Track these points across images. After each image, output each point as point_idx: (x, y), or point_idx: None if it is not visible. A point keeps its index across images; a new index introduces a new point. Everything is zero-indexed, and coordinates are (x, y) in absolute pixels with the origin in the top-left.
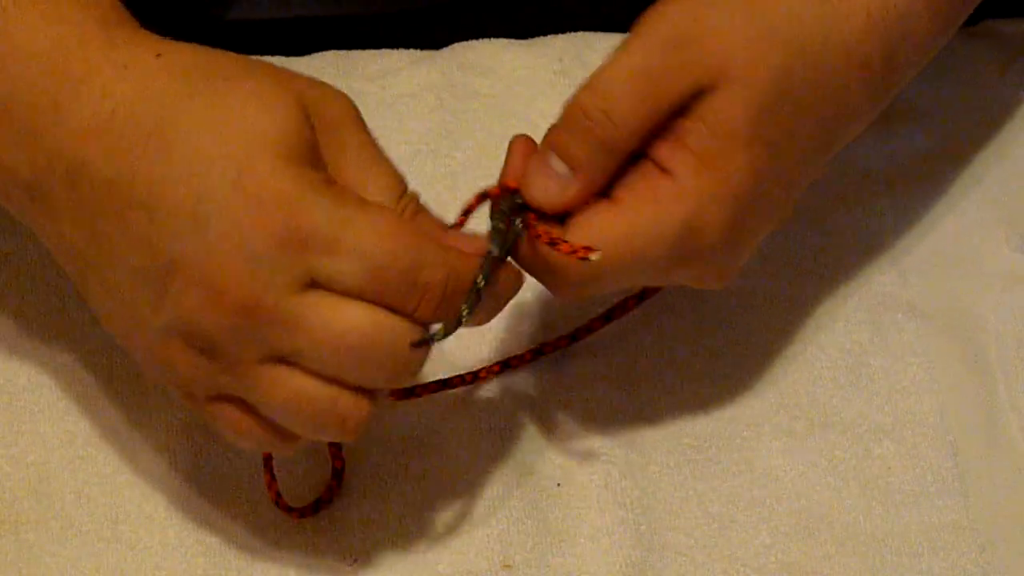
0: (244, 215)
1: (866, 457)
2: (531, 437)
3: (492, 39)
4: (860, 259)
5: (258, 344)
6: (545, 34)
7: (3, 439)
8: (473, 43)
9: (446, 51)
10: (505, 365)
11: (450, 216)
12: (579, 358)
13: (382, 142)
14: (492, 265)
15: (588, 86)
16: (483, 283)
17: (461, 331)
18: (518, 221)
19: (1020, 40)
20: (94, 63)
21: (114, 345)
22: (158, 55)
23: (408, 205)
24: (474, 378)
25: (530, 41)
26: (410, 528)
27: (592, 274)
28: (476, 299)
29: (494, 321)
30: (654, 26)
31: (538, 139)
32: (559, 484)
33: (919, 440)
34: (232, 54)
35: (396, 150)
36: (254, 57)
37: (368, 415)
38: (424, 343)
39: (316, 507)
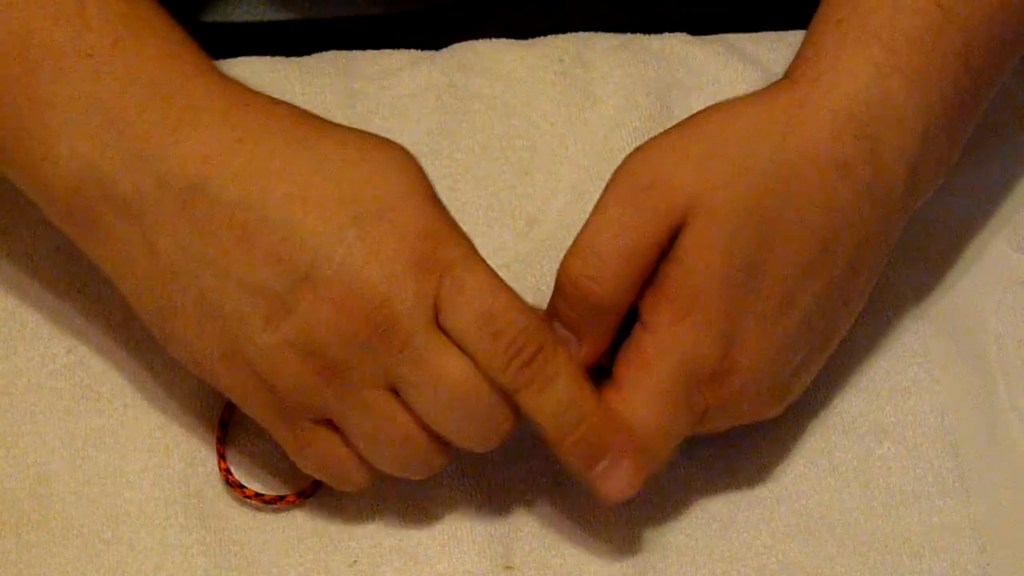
0: (390, 239)
1: (867, 458)
2: (531, 435)
3: (492, 39)
4: None
5: (377, 366)
6: (546, 34)
7: (3, 440)
8: (473, 43)
9: (446, 52)
10: None
11: None
12: None
13: None
14: None
15: (572, 251)
16: None
17: None
18: None
19: None
20: (213, 96)
21: (113, 346)
22: (275, 102)
23: None
24: None
25: (531, 41)
26: (410, 529)
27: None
28: None
29: None
30: (622, 181)
31: (539, 140)
32: (559, 483)
33: (920, 440)
34: None
35: None
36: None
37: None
38: None
39: (301, 495)
